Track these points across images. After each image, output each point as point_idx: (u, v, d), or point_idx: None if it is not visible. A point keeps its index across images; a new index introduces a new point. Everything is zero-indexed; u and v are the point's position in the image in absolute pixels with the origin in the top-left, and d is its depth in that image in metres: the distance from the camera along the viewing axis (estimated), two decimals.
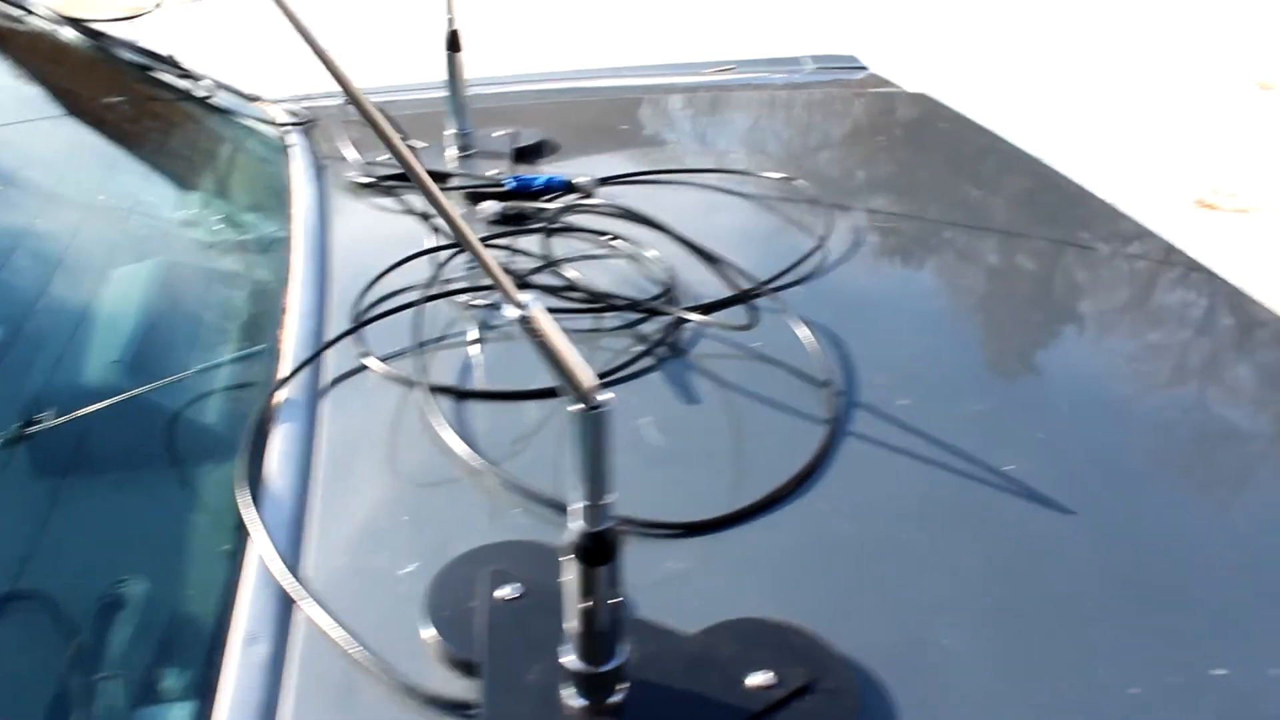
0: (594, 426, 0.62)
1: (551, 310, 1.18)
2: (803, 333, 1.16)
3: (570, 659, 0.72)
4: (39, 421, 0.94)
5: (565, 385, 0.61)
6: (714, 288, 1.23)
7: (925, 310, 1.26)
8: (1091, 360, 1.18)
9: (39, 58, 1.75)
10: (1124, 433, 1.04)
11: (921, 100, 1.96)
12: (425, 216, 1.37)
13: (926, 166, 1.66)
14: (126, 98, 1.72)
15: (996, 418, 1.05)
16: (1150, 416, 1.07)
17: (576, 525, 0.66)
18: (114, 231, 1.33)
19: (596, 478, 0.64)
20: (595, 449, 0.63)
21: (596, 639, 0.70)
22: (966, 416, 1.05)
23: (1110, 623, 0.82)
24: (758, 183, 1.54)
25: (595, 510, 0.65)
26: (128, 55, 1.83)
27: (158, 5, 1.74)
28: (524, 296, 0.58)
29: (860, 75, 2.14)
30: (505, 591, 0.81)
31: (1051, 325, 1.23)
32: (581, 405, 0.61)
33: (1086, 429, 1.04)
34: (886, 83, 2.09)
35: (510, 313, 0.59)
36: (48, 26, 1.81)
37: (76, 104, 1.65)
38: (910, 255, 1.39)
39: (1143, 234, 1.43)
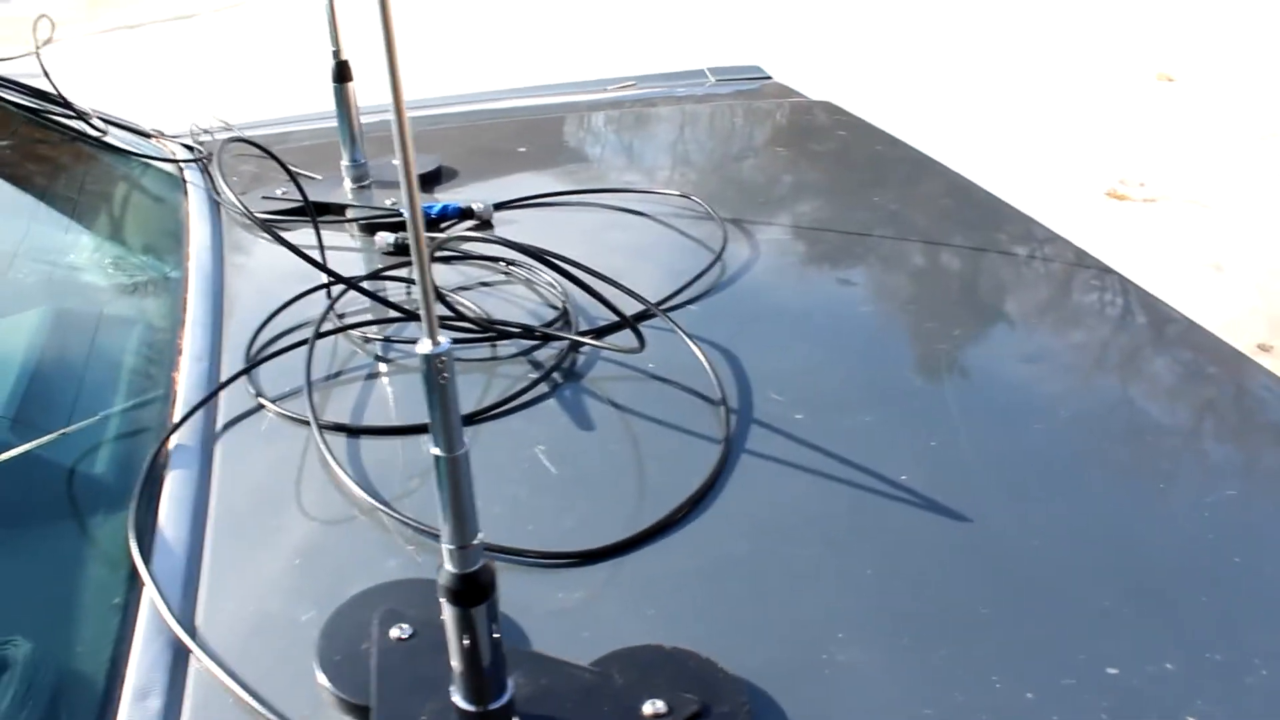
0: (456, 471, 0.62)
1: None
2: (696, 352, 1.17)
3: (459, 699, 0.72)
4: None
5: (436, 431, 0.62)
6: (609, 311, 1.24)
7: (822, 323, 1.27)
8: (991, 366, 1.20)
9: None
10: (1018, 437, 1.06)
11: (825, 108, 1.98)
12: (316, 252, 1.36)
13: (829, 176, 1.68)
14: (11, 140, 1.70)
15: (891, 428, 1.07)
16: (1046, 419, 1.09)
17: (447, 568, 0.66)
18: (2, 278, 1.31)
19: (461, 519, 0.64)
20: (457, 491, 0.63)
21: (481, 677, 0.71)
22: (861, 428, 1.06)
23: (1003, 629, 0.83)
24: (655, 200, 1.55)
25: (463, 552, 0.65)
26: (13, 96, 1.80)
27: (45, 43, 1.71)
28: (443, 338, 0.59)
29: (764, 85, 2.16)
30: (396, 632, 0.81)
31: (951, 332, 1.25)
32: (441, 450, 0.62)
33: (980, 435, 1.05)
34: (791, 92, 2.10)
35: (422, 348, 0.59)
36: None
37: None
38: (808, 267, 1.41)
39: (1052, 238, 1.45)
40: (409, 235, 0.57)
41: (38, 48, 1.72)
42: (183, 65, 6.97)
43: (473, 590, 0.66)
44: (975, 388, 1.15)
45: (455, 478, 0.63)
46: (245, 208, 1.37)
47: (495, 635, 0.69)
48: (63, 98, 1.78)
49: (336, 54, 1.51)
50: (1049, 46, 6.31)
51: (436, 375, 0.59)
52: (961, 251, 1.41)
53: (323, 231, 1.37)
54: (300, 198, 1.45)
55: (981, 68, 5.96)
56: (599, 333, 1.21)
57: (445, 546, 0.65)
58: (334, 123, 1.58)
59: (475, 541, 0.65)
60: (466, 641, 0.68)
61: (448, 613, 0.67)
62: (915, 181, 1.65)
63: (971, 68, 5.96)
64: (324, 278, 1.30)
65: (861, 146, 1.79)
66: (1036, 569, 0.89)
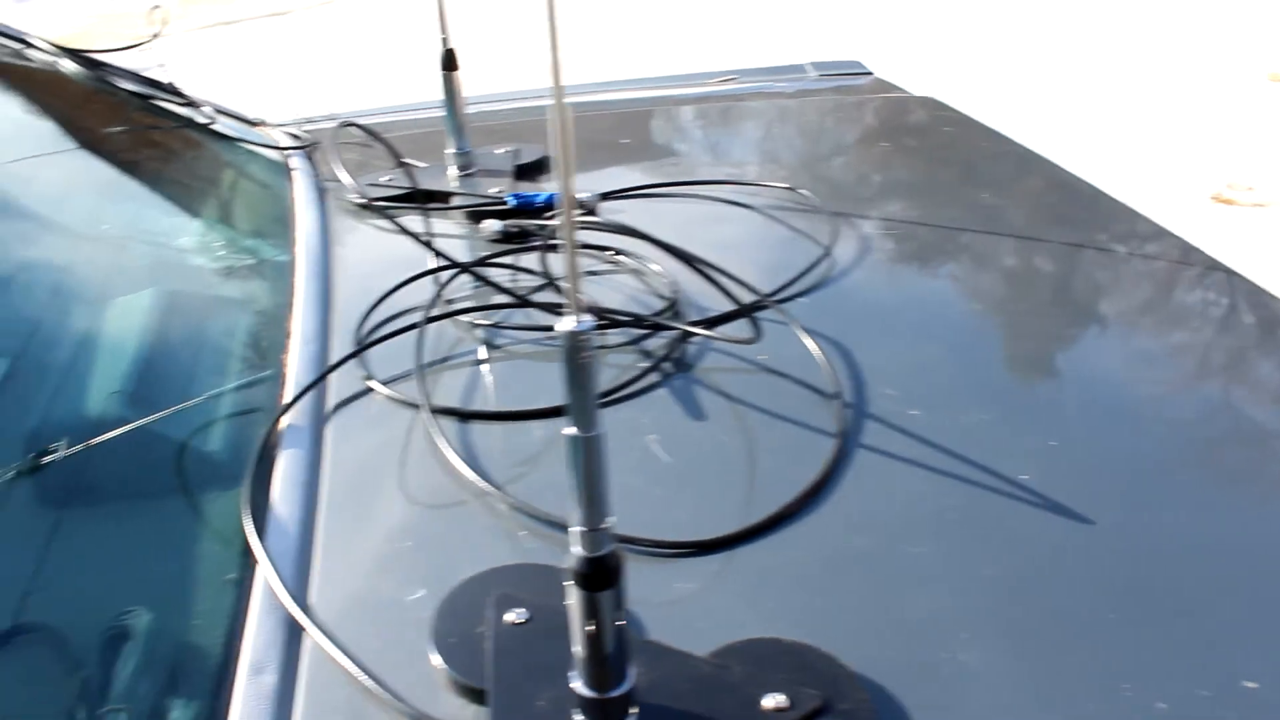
0: (591, 451, 0.61)
1: (551, 329, 1.18)
2: (809, 345, 1.14)
3: (578, 685, 0.71)
4: (43, 453, 0.94)
5: (573, 411, 0.60)
6: (719, 302, 1.22)
7: (934, 318, 1.24)
8: (1106, 364, 1.16)
9: (40, 90, 1.76)
10: (1140, 438, 1.03)
11: (928, 104, 1.95)
12: (428, 237, 1.36)
13: (934, 171, 1.65)
14: (128, 127, 1.73)
15: (1008, 426, 1.04)
16: (1167, 420, 1.06)
17: (576, 551, 0.65)
18: (117, 260, 1.33)
19: (594, 502, 0.63)
20: (591, 473, 0.62)
21: (603, 664, 0.69)
22: (977, 426, 1.04)
23: (1134, 636, 0.80)
24: (762, 193, 1.53)
25: (594, 535, 0.64)
26: (128, 85, 1.83)
27: (155, 36, 1.74)
28: (586, 317, 0.57)
29: (865, 81, 2.13)
30: (512, 616, 0.80)
31: (1064, 329, 1.22)
32: (576, 429, 0.61)
33: (1101, 435, 1.02)
34: (893, 87, 2.07)
35: (564, 326, 0.58)
36: (47, 59, 1.82)
37: (78, 135, 1.65)
38: (918, 262, 1.38)
39: (1159, 234, 1.41)
40: (560, 219, 0.56)
41: (152, 37, 1.74)
42: (279, 60, 7.09)
43: (601, 575, 0.65)
44: (1091, 387, 1.11)
45: (590, 459, 0.61)
46: (362, 191, 1.37)
47: (620, 622, 0.68)
48: (174, 86, 1.81)
49: (444, 41, 1.51)
50: (1155, 46, 6.17)
51: (578, 354, 0.58)
52: (1072, 249, 1.37)
53: (425, 220, 1.37)
54: (406, 184, 1.46)
55: (1086, 69, 5.84)
56: (710, 323, 1.19)
57: (576, 529, 0.64)
58: (432, 112, 1.58)
59: (606, 525, 0.64)
60: (591, 627, 0.67)
61: (574, 597, 0.66)
62: (1022, 178, 1.61)
63: (1077, 69, 5.84)
64: (432, 262, 1.30)
65: (966, 142, 1.75)
66: (1165, 575, 0.86)
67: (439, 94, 1.57)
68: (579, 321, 0.58)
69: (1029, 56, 6.06)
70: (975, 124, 1.83)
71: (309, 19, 8.18)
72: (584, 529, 0.64)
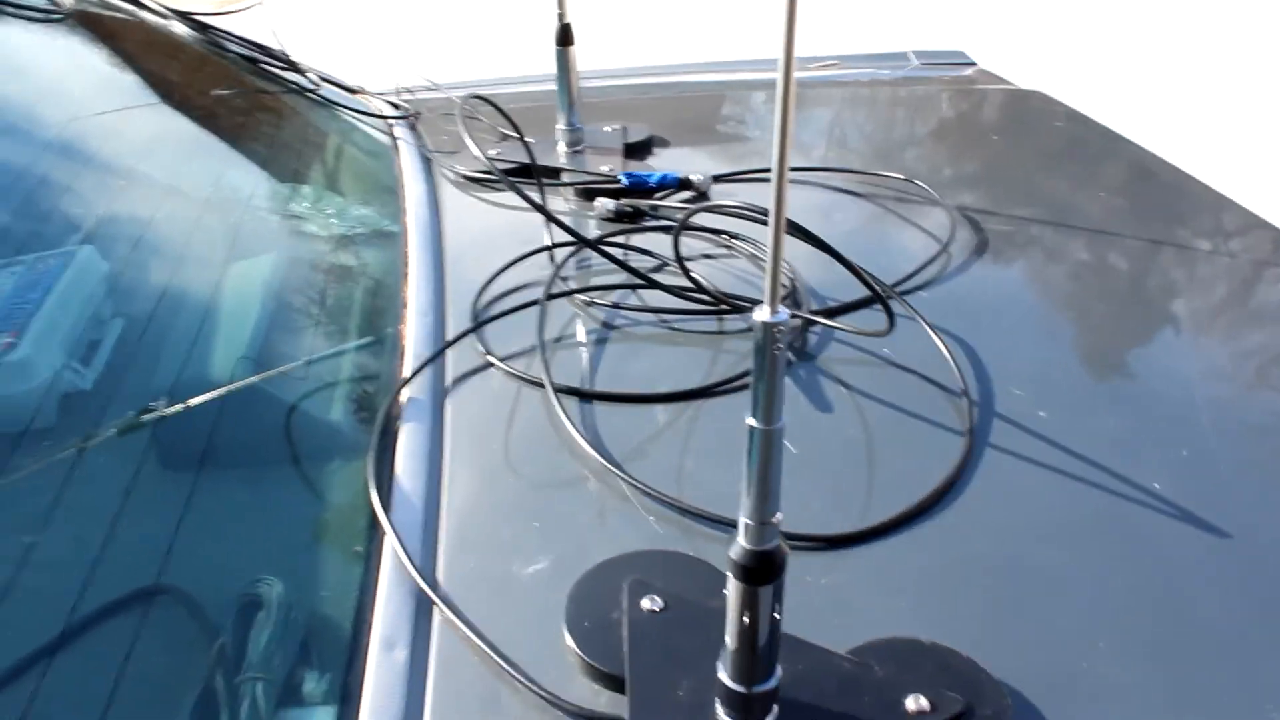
0: (769, 444, 0.60)
1: (676, 311, 1.16)
2: (936, 340, 1.12)
3: (724, 676, 0.70)
4: (163, 414, 0.94)
5: (757, 401, 0.59)
6: (837, 290, 1.20)
7: (1057, 318, 1.22)
8: (1238, 372, 1.13)
9: (151, 50, 1.77)
10: (1273, 449, 1.00)
11: (1036, 97, 1.90)
12: (547, 212, 1.34)
13: (1047, 166, 1.61)
14: (235, 90, 1.73)
15: (1138, 433, 1.01)
16: None
17: (741, 543, 0.63)
18: (228, 225, 1.33)
19: (766, 495, 0.62)
20: (767, 466, 0.61)
21: (754, 658, 0.68)
22: (1107, 431, 1.01)
23: (1272, 650, 0.78)
24: (875, 182, 1.51)
25: (762, 528, 0.63)
26: (236, 48, 1.84)
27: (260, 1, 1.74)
28: (782, 310, 0.56)
29: (969, 71, 2.09)
30: (647, 604, 0.79)
31: (1193, 334, 1.19)
32: (759, 422, 0.59)
33: (1233, 445, 1.00)
34: (997, 79, 2.03)
35: (760, 315, 0.56)
36: (159, 21, 1.83)
37: (187, 97, 1.66)
38: (1037, 259, 1.35)
39: None
40: (770, 206, 0.54)
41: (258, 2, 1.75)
42: (377, 24, 7.10)
43: (767, 568, 0.63)
44: (1225, 396, 1.08)
45: (768, 451, 0.60)
46: (491, 164, 1.35)
47: (776, 617, 0.67)
48: (282, 53, 1.81)
49: (561, 16, 1.50)
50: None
51: (772, 344, 0.57)
52: (1200, 254, 1.34)
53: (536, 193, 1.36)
54: (517, 159, 1.45)
55: (1203, 63, 5.68)
56: (834, 312, 1.17)
57: (743, 520, 0.63)
58: (532, 86, 1.57)
59: (775, 519, 0.62)
60: (747, 620, 0.66)
61: (733, 588, 0.65)
62: (1140, 178, 1.57)
63: (1194, 64, 5.69)
64: (546, 238, 1.29)
65: (1079, 138, 1.71)
66: None
67: (536, 65, 1.56)
68: (775, 312, 0.56)
69: (1144, 51, 5.91)
70: (1086, 119, 1.79)
71: None
72: (752, 521, 0.62)
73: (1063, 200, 1.47)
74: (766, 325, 0.56)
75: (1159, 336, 1.19)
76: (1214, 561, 0.87)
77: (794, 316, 1.16)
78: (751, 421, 0.60)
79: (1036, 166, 1.61)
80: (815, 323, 1.15)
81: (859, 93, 1.97)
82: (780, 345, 0.57)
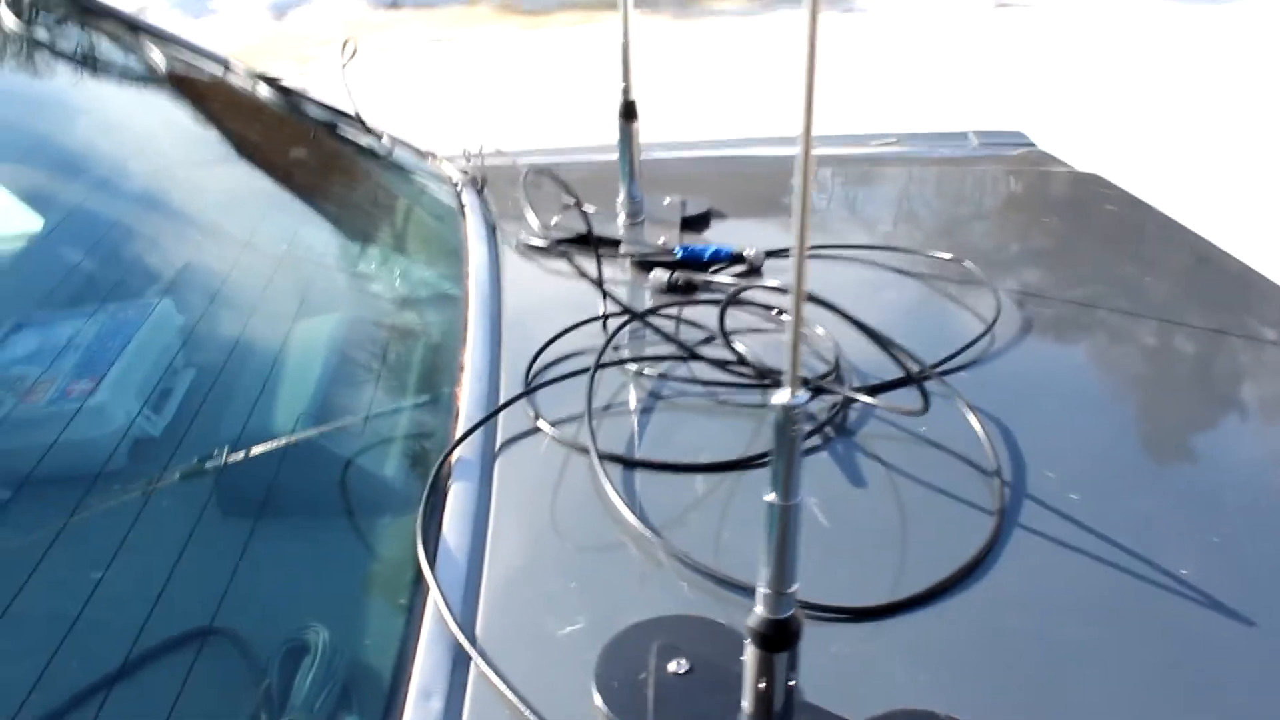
0: (787, 519, 0.63)
1: (720, 383, 1.20)
2: (971, 419, 1.15)
3: None
4: (226, 462, 0.99)
5: (777, 479, 0.63)
6: (880, 368, 1.23)
7: (1097, 401, 1.24)
8: (1274, 462, 1.15)
9: (235, 112, 1.85)
10: None
11: (1092, 180, 1.93)
12: (601, 283, 1.39)
13: (1099, 250, 1.64)
14: (313, 153, 1.81)
15: (1169, 518, 1.03)
16: None
17: (759, 611, 0.67)
18: (299, 282, 1.40)
19: (783, 566, 0.65)
20: (784, 540, 0.64)
21: None
22: (1138, 514, 1.03)
23: None
24: (925, 262, 1.54)
25: (779, 598, 0.66)
26: (314, 111, 1.92)
27: (346, 63, 1.82)
28: (801, 393, 0.60)
29: (1027, 151, 2.12)
30: (674, 666, 0.82)
31: (1230, 422, 1.20)
32: (778, 498, 0.63)
33: (1265, 535, 1.01)
34: (1055, 160, 2.06)
35: (779, 398, 0.60)
36: (244, 84, 1.92)
37: (266, 157, 1.73)
38: (1081, 343, 1.37)
39: None
40: (791, 285, 0.58)
41: (343, 65, 1.83)
42: (436, 87, 7.29)
43: (782, 636, 0.67)
44: (1259, 484, 1.09)
45: (785, 525, 0.64)
46: (546, 234, 1.41)
47: (791, 683, 0.70)
48: (359, 116, 1.89)
49: (625, 92, 1.55)
50: None
51: (790, 425, 0.60)
52: (1247, 341, 1.35)
53: (593, 263, 1.41)
54: (576, 228, 1.50)
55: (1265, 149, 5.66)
56: (875, 390, 1.20)
57: (761, 590, 0.66)
58: (600, 155, 1.62)
59: (791, 590, 0.66)
60: (763, 685, 0.69)
61: (750, 654, 0.68)
62: (1189, 263, 1.59)
63: (1254, 150, 5.67)
64: (601, 308, 1.34)
65: (1132, 223, 1.73)
66: None
67: (600, 135, 1.61)
68: (795, 395, 0.60)
69: (1208, 137, 5.89)
70: (1141, 204, 1.81)
71: (469, 46, 8.41)
72: (769, 591, 0.66)
73: (1110, 284, 1.49)
74: (785, 408, 0.60)
75: (1196, 424, 1.21)
76: (1238, 648, 0.88)
77: (820, 393, 1.19)
78: (770, 497, 0.63)
79: (1087, 250, 1.64)
80: (854, 400, 1.18)
81: (917, 171, 2.01)
82: (798, 426, 0.60)
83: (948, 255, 1.54)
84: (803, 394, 0.61)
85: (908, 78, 6.95)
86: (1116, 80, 6.80)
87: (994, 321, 1.36)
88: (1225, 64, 7.00)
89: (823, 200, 1.88)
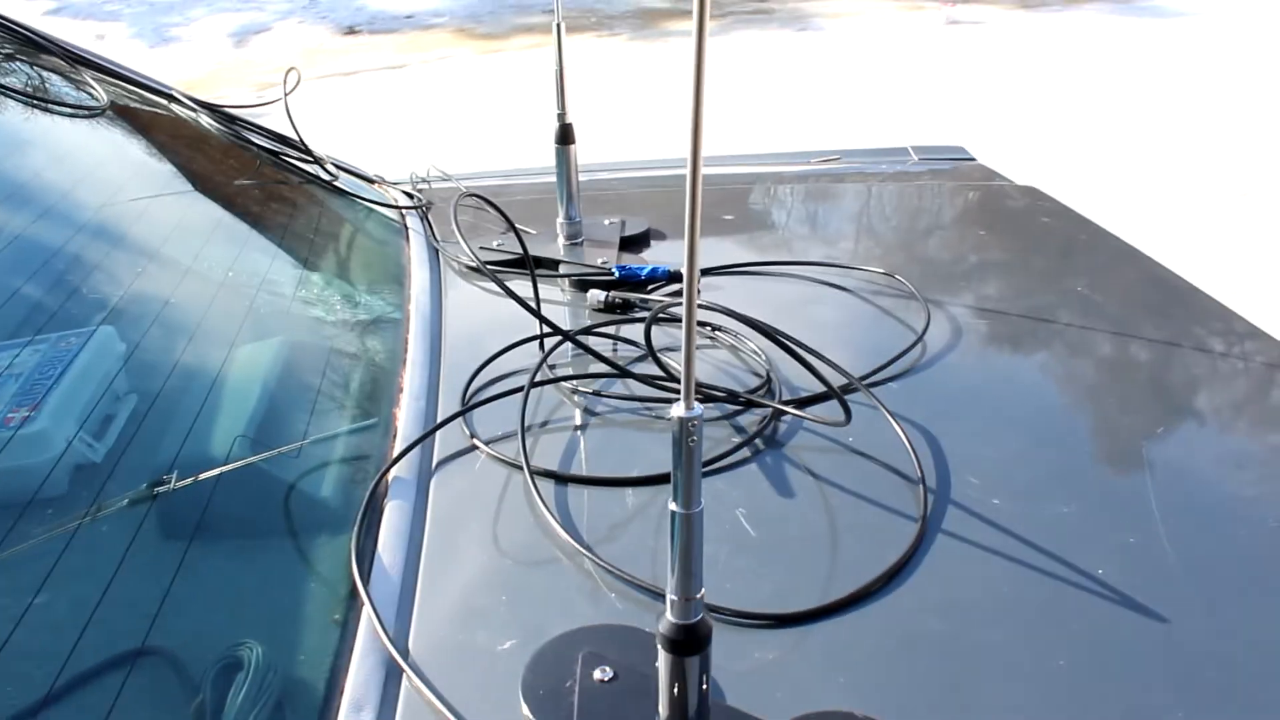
0: (690, 527, 0.66)
1: (651, 400, 1.23)
2: (897, 430, 1.18)
3: None
4: (163, 487, 1.01)
5: (677, 489, 0.65)
6: (812, 382, 1.26)
7: (1022, 409, 1.27)
8: (1193, 464, 1.18)
9: (180, 142, 1.87)
10: (1221, 541, 1.04)
11: (1029, 193, 1.97)
12: (535, 303, 1.41)
13: (1031, 262, 1.68)
14: (257, 180, 1.82)
15: (1088, 520, 1.06)
16: (1251, 527, 1.06)
17: (668, 617, 0.69)
18: (241, 309, 1.41)
19: (689, 573, 0.68)
20: (689, 547, 0.67)
21: None
22: (1058, 519, 1.06)
23: None
24: (858, 276, 1.57)
25: (686, 604, 0.68)
26: (259, 140, 1.94)
27: (288, 93, 1.84)
28: (696, 405, 0.63)
29: (968, 166, 2.16)
30: (598, 674, 0.84)
31: (1153, 426, 1.23)
32: (679, 507, 0.65)
33: (1180, 535, 1.04)
34: (994, 174, 2.10)
35: (676, 411, 0.63)
36: (187, 113, 1.93)
37: (211, 185, 1.75)
38: (1009, 352, 1.41)
39: (1255, 333, 1.42)
40: (683, 306, 0.61)
41: (285, 95, 1.85)
42: (393, 112, 7.31)
43: (691, 641, 0.69)
44: (1176, 487, 1.13)
45: (689, 533, 0.66)
46: (475, 257, 1.44)
47: (704, 687, 0.72)
48: (303, 143, 1.91)
49: (561, 117, 1.58)
50: None
51: (687, 437, 0.63)
52: (1165, 346, 1.39)
53: (537, 284, 1.43)
54: (518, 250, 1.53)
55: (1208, 161, 5.76)
56: (803, 403, 1.23)
57: (670, 596, 0.69)
58: (542, 178, 1.64)
59: (699, 595, 0.68)
60: (677, 689, 0.71)
61: (663, 660, 0.71)
62: (1119, 272, 1.63)
63: (1199, 162, 5.77)
64: (537, 329, 1.36)
65: (1066, 234, 1.78)
66: (1236, 679, 0.87)
67: (544, 158, 1.64)
68: (689, 408, 0.63)
69: (1155, 147, 5.99)
70: (1075, 215, 1.85)
71: (424, 73, 8.43)
72: (677, 597, 0.68)
73: (1038, 294, 1.53)
74: (681, 420, 0.63)
75: (1118, 429, 1.24)
76: (1149, 646, 0.91)
77: (750, 406, 1.22)
78: (673, 506, 0.66)
79: (1017, 262, 1.68)
80: (783, 412, 1.21)
81: (856, 188, 2.04)
82: (695, 438, 0.63)
83: (879, 270, 1.57)
84: (698, 407, 0.63)
85: (860, 91, 7.03)
86: (1055, 93, 6.91)
87: (923, 334, 1.39)
88: (1164, 75, 7.12)
89: (761, 216, 1.91)
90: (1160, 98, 6.75)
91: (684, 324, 0.62)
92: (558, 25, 1.50)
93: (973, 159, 2.21)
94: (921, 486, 1.10)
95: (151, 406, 1.13)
